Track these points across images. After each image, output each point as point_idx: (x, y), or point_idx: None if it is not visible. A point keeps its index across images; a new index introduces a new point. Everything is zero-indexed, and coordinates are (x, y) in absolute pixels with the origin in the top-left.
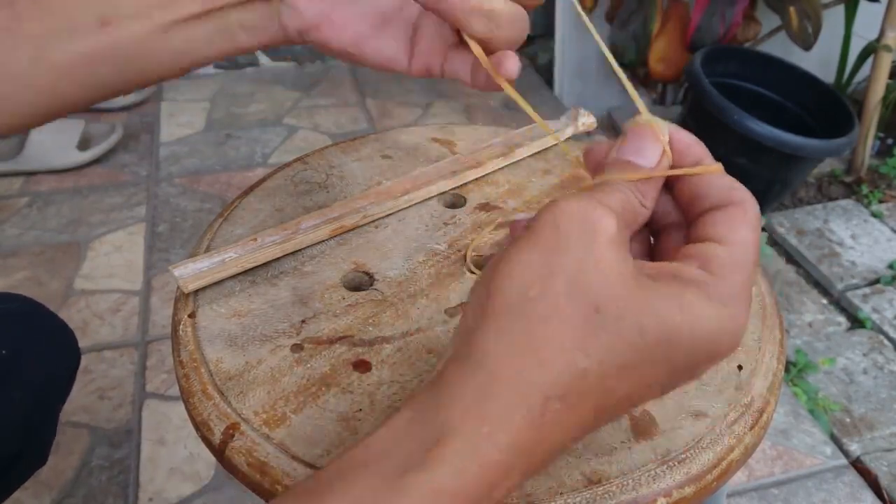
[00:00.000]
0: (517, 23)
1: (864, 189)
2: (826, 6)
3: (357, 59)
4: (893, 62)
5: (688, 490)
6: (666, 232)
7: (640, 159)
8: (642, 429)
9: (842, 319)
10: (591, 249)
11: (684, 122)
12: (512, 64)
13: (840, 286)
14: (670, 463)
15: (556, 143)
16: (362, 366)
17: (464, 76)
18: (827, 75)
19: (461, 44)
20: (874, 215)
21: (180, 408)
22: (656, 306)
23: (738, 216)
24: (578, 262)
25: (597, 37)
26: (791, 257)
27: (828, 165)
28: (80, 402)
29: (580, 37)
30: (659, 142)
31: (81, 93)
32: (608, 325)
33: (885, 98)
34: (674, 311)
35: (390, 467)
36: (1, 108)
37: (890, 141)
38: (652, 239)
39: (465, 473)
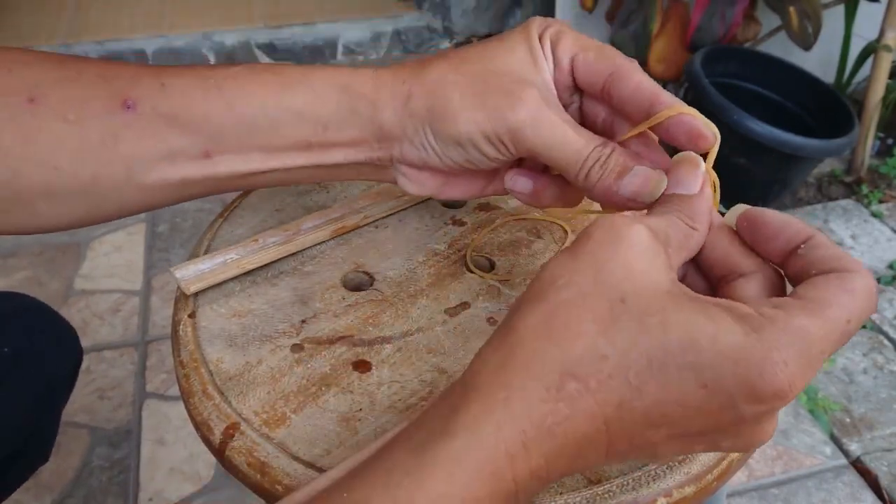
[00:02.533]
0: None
1: (864, 189)
2: (826, 6)
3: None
4: (893, 62)
5: (688, 490)
6: (741, 279)
7: (681, 189)
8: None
9: None
10: (619, 251)
11: None
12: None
13: None
14: (670, 463)
15: None
16: (362, 366)
17: (524, 191)
18: (827, 75)
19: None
20: (874, 215)
21: (180, 408)
22: (683, 308)
23: (840, 284)
24: (607, 261)
25: None
26: None
27: (828, 165)
28: (80, 402)
29: None
30: (699, 169)
31: (170, 203)
32: (632, 316)
33: (885, 98)
34: (700, 316)
35: (418, 439)
36: (89, 213)
37: (890, 141)
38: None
39: (481, 439)
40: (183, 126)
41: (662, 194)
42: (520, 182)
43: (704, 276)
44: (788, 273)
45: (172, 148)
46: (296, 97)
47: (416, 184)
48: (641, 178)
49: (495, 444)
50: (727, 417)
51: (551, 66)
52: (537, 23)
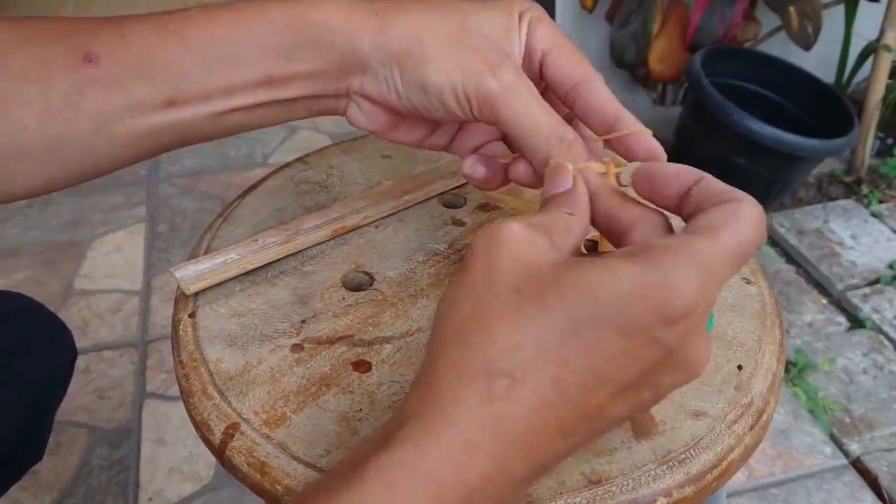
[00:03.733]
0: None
1: (864, 189)
2: (826, 6)
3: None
4: (893, 62)
5: (688, 490)
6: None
7: (558, 189)
8: (642, 429)
9: (842, 319)
10: (502, 250)
11: (684, 122)
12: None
13: (840, 286)
14: (670, 463)
15: None
16: (362, 366)
17: (479, 177)
18: (827, 75)
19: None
20: (874, 215)
21: (180, 408)
22: (574, 271)
23: (727, 210)
24: (492, 262)
25: None
26: (791, 257)
27: (828, 165)
28: (80, 402)
29: (580, 37)
30: (568, 170)
31: (142, 157)
32: (531, 300)
33: (885, 98)
34: (594, 271)
35: (360, 453)
36: (63, 169)
37: (890, 141)
38: None
39: (423, 449)
40: (146, 75)
41: (544, 199)
42: (478, 171)
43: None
44: (685, 216)
45: (138, 98)
46: (256, 31)
47: (368, 117)
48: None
49: (437, 454)
50: (653, 353)
51: (522, 49)
52: (518, 2)
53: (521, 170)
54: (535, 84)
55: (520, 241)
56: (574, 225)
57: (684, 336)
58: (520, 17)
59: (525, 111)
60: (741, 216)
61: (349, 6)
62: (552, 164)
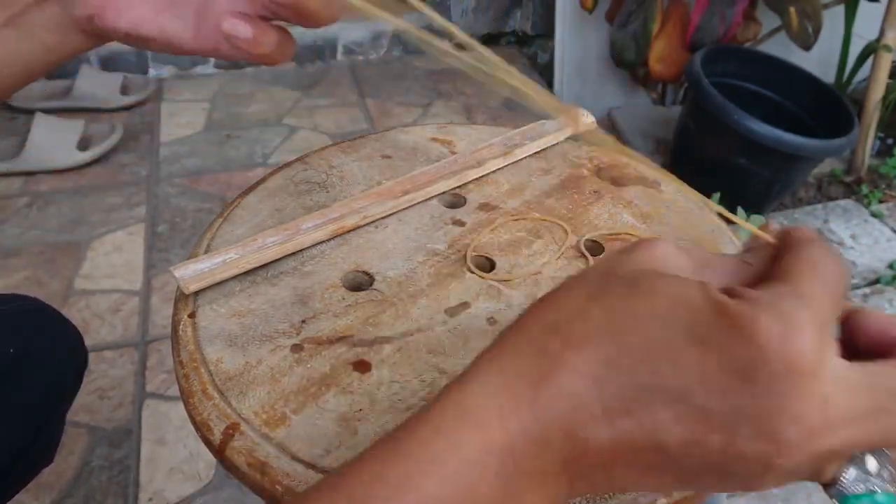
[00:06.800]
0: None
1: (864, 189)
2: (826, 6)
3: (142, 42)
4: (893, 62)
5: (688, 490)
6: None
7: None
8: None
9: None
10: (637, 251)
11: (684, 122)
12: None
13: None
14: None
15: (556, 142)
16: (362, 366)
17: (244, 36)
18: (827, 75)
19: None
20: (874, 215)
21: (180, 408)
22: (679, 277)
23: (801, 254)
24: (620, 254)
25: None
26: None
27: (828, 165)
28: (80, 402)
29: (580, 37)
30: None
31: None
32: (623, 282)
33: (885, 98)
34: (692, 287)
35: (407, 421)
36: None
37: (890, 141)
38: None
39: (470, 390)
40: None
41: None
42: (240, 27)
43: None
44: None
45: None
46: None
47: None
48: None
49: (483, 393)
50: (734, 387)
51: None
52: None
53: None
54: None
55: (656, 251)
56: (743, 273)
57: (785, 394)
58: None
59: None
60: (817, 257)
61: None
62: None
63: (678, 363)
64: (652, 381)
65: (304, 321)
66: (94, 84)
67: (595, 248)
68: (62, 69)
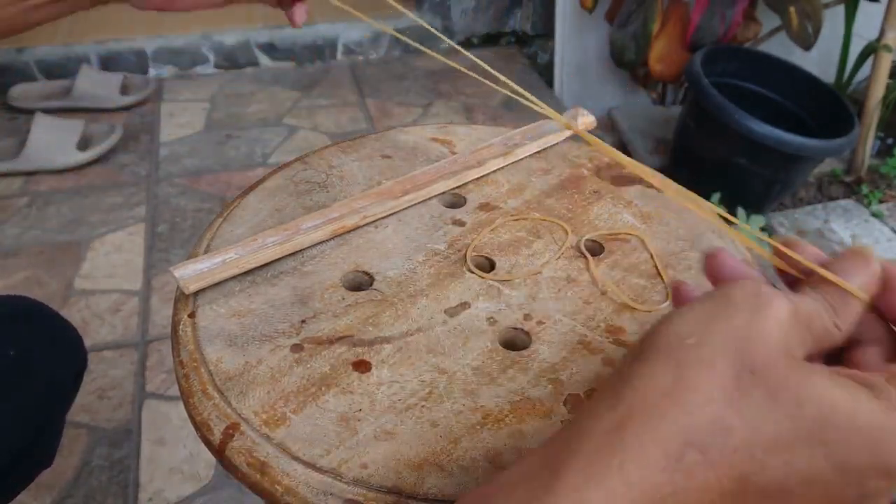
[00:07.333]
0: None
1: (865, 189)
2: (826, 6)
3: (172, 6)
4: (893, 62)
5: None
6: (861, 347)
7: (846, 277)
8: None
9: None
10: (757, 320)
11: (684, 122)
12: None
13: None
14: None
15: (556, 142)
16: (362, 366)
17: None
18: (827, 75)
19: None
20: (874, 215)
21: (180, 408)
22: (818, 383)
23: None
24: (741, 328)
25: None
26: None
27: (828, 165)
28: (80, 402)
29: (580, 37)
30: (870, 268)
31: None
32: (763, 389)
33: (885, 98)
34: (836, 390)
35: (517, 498)
36: None
37: (890, 141)
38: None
39: (589, 493)
40: None
41: (819, 277)
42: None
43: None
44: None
45: None
46: None
47: None
48: None
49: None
50: (850, 494)
51: None
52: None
53: None
54: None
55: (779, 322)
56: (827, 340)
57: (887, 489)
58: None
59: None
60: None
61: None
62: (858, 247)
63: (811, 481)
64: (778, 494)
65: (303, 321)
66: (94, 84)
67: (595, 247)
68: (62, 69)
